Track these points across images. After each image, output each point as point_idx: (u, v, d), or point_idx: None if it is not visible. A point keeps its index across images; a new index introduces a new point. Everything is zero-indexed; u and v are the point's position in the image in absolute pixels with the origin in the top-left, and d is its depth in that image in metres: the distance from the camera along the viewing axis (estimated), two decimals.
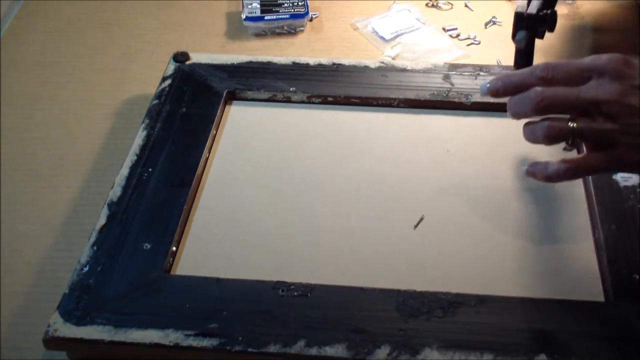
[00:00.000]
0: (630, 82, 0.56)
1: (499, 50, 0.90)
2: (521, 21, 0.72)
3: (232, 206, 0.71)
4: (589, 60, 0.58)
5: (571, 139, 0.57)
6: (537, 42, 0.76)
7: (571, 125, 0.57)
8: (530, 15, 0.72)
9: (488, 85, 0.61)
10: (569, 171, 0.58)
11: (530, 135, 0.59)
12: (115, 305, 0.61)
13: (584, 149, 0.63)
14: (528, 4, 0.74)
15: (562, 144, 0.59)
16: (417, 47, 0.92)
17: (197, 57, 0.85)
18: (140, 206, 0.69)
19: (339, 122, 0.79)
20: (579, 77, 0.58)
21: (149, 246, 0.66)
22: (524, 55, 0.74)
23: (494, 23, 0.96)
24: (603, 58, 0.57)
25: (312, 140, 0.77)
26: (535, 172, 0.61)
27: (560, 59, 0.58)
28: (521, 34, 0.72)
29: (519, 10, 0.72)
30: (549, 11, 0.73)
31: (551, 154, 0.67)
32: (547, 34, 0.73)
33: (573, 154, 0.61)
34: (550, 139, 0.58)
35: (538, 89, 0.58)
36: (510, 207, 0.70)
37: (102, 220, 0.68)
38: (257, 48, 0.94)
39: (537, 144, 0.60)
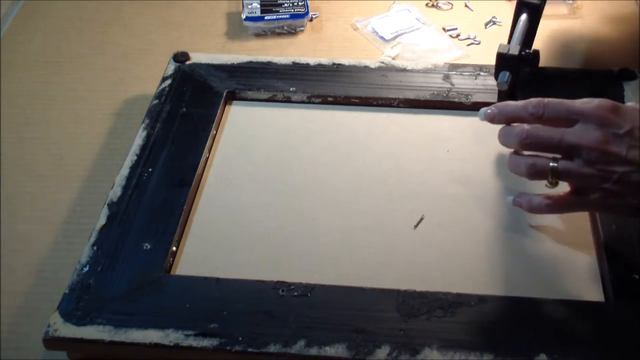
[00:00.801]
0: (613, 130, 0.58)
1: None
2: (503, 62, 0.71)
3: (232, 206, 0.71)
4: (579, 103, 0.60)
5: (551, 178, 0.61)
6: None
7: (552, 165, 0.60)
8: (512, 56, 0.70)
9: (488, 111, 0.64)
10: (550, 207, 0.63)
11: (515, 168, 0.63)
12: (115, 305, 0.61)
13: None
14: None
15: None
16: (417, 47, 0.92)
17: (197, 57, 0.85)
18: (140, 206, 0.69)
19: (339, 122, 0.79)
20: (567, 119, 0.60)
21: (149, 246, 0.66)
22: (506, 95, 0.73)
23: (494, 23, 0.96)
24: (593, 103, 0.59)
25: (312, 140, 0.77)
26: (521, 202, 0.65)
27: (552, 98, 0.62)
28: (504, 75, 0.70)
29: (501, 50, 0.71)
30: (531, 51, 0.72)
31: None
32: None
33: (558, 189, 0.63)
34: (531, 175, 0.62)
35: (525, 126, 0.61)
36: (510, 207, 0.70)
37: (102, 220, 0.68)
38: (257, 48, 0.94)
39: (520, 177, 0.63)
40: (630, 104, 0.60)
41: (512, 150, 0.64)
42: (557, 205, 0.63)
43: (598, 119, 0.58)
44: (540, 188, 0.63)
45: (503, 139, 0.63)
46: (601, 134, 0.58)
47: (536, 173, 0.61)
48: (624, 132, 0.58)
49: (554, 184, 0.61)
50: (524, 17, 0.74)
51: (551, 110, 0.61)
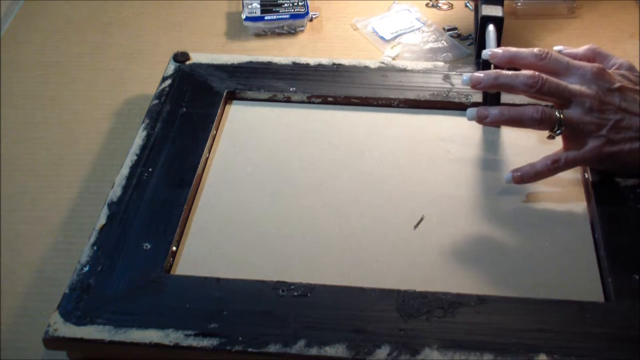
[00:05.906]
0: (607, 85, 0.67)
1: None
2: (489, 66, 0.74)
3: (232, 206, 0.71)
4: (576, 62, 0.69)
5: (557, 126, 0.67)
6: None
7: (558, 114, 0.67)
8: None
9: (493, 50, 0.71)
10: (555, 164, 0.68)
11: (518, 115, 0.68)
12: (115, 305, 0.61)
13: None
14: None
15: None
16: (417, 47, 0.92)
17: (197, 57, 0.85)
18: (140, 206, 0.69)
19: (339, 122, 0.79)
20: (566, 70, 0.68)
21: (149, 246, 0.66)
22: (494, 97, 0.75)
23: None
24: (587, 64, 0.68)
25: (312, 140, 0.77)
26: (523, 174, 0.69)
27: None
28: None
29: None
30: None
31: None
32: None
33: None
34: (541, 121, 0.67)
35: (534, 72, 0.67)
36: (510, 207, 0.70)
37: (102, 220, 0.68)
38: (257, 48, 0.94)
39: (515, 127, 0.71)
40: (618, 70, 0.70)
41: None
42: (560, 162, 0.67)
43: (594, 75, 0.67)
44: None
45: (506, 80, 0.68)
46: (598, 87, 0.67)
47: (546, 118, 0.66)
48: (615, 87, 0.67)
49: (556, 134, 0.67)
50: (491, 27, 0.79)
51: (553, 58, 0.68)
